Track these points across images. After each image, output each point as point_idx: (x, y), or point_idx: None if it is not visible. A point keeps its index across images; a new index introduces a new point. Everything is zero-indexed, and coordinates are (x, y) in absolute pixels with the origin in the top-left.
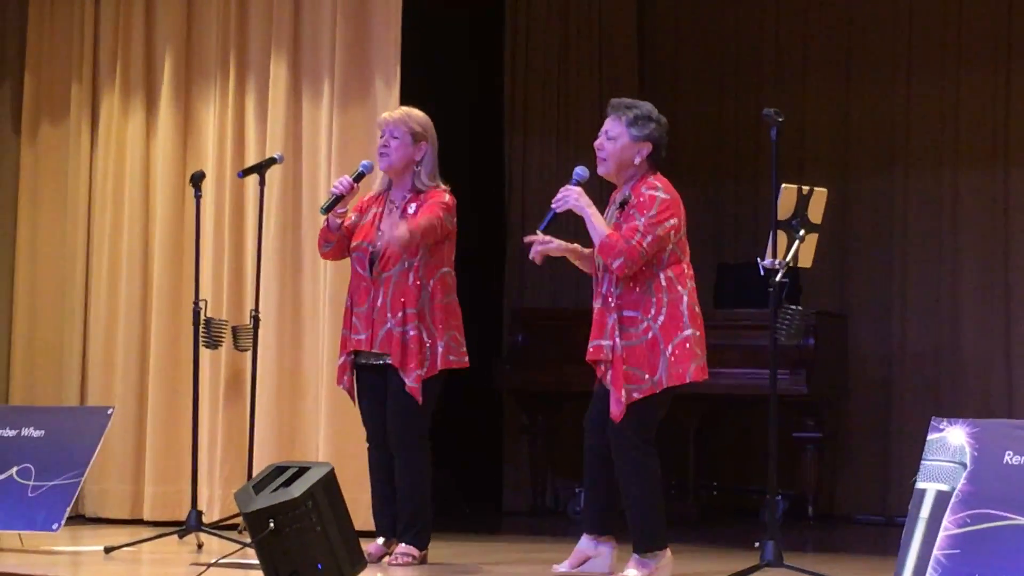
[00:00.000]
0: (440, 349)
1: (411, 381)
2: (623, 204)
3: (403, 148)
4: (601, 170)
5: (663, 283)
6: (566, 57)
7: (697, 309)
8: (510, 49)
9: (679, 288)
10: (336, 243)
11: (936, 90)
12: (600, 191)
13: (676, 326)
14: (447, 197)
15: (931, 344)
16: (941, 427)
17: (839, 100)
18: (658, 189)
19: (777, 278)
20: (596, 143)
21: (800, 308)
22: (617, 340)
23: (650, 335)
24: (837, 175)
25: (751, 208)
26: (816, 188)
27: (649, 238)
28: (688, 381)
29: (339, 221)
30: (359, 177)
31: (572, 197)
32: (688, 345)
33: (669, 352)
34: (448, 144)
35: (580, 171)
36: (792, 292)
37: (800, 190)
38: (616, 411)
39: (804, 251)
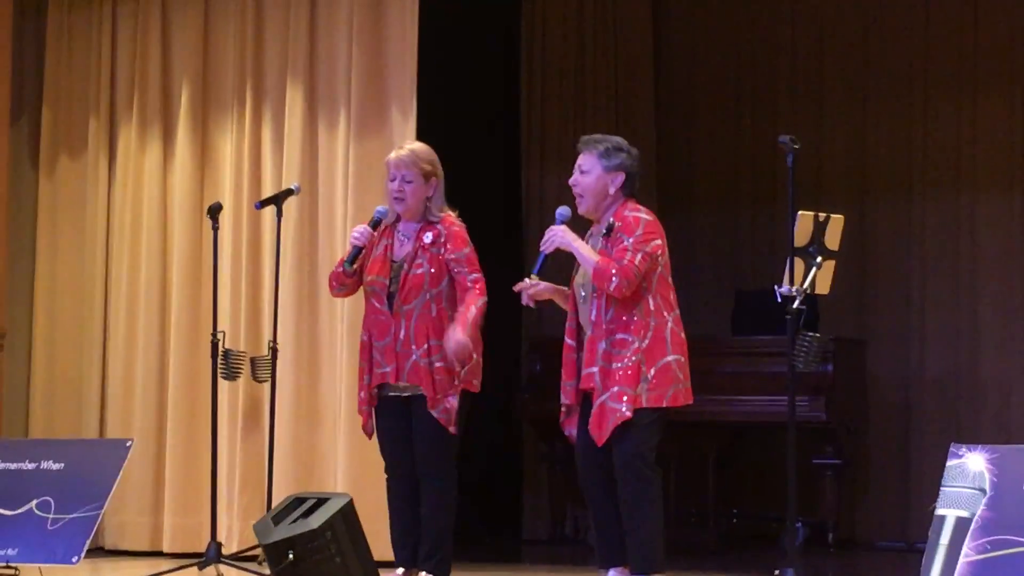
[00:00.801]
0: (464, 372)
1: (439, 413)
2: (608, 231)
3: (417, 190)
4: (581, 208)
5: (651, 307)
6: (582, 85)
7: (682, 335)
8: (526, 77)
9: (664, 313)
10: (350, 285)
11: (953, 115)
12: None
13: (660, 351)
14: (468, 249)
15: (950, 369)
16: (960, 453)
17: (856, 126)
18: (640, 211)
19: (795, 305)
20: (571, 180)
21: (818, 335)
22: (611, 364)
23: (635, 358)
24: (854, 201)
25: (768, 235)
26: (833, 215)
27: (640, 255)
28: (665, 405)
29: (355, 266)
30: (376, 224)
31: (558, 235)
32: (670, 370)
33: (651, 375)
34: (465, 174)
35: (562, 211)
36: (810, 319)
37: (817, 217)
38: (599, 434)
39: (821, 278)
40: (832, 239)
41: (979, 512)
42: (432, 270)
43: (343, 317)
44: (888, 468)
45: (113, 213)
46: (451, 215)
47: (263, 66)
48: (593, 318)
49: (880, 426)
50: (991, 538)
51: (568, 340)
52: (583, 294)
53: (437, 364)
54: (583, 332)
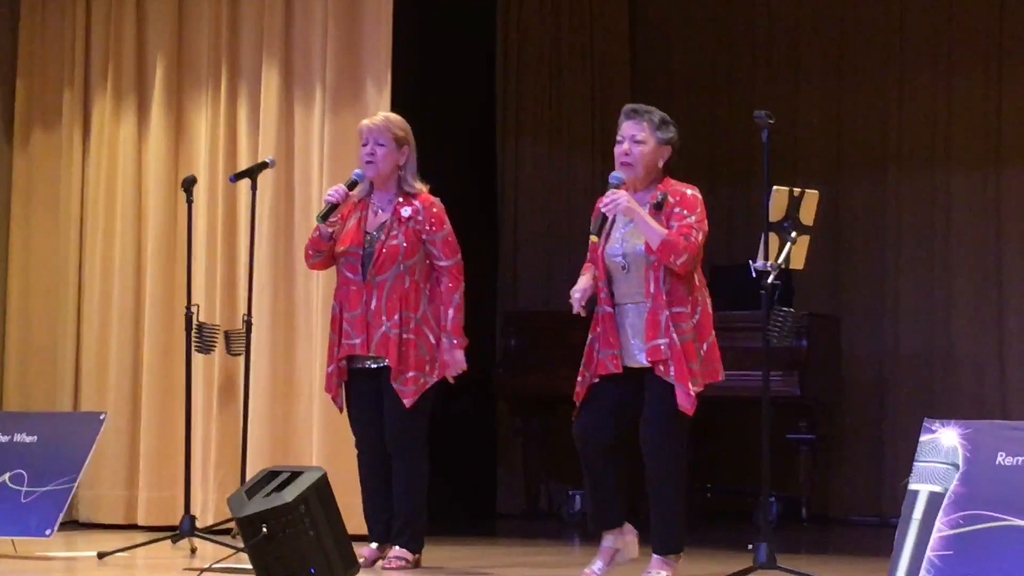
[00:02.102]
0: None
1: (403, 385)
2: (660, 205)
3: (389, 155)
4: (628, 175)
5: (697, 283)
6: (558, 59)
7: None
8: (502, 50)
9: (704, 290)
10: (326, 252)
11: (928, 92)
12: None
13: (708, 326)
14: (446, 231)
15: (924, 345)
16: (933, 428)
17: (831, 102)
18: (693, 188)
19: (769, 280)
20: (621, 148)
21: (792, 310)
22: (673, 336)
23: (690, 334)
24: (830, 177)
25: (744, 210)
26: (808, 190)
27: (701, 235)
28: (720, 379)
29: (330, 230)
30: (352, 185)
31: (622, 200)
32: (716, 346)
33: (704, 350)
34: (441, 146)
35: (617, 176)
36: (785, 294)
37: (792, 192)
38: (685, 403)
39: (796, 253)
40: (807, 214)
41: (952, 487)
42: (406, 243)
43: (318, 290)
44: (862, 443)
45: (87, 186)
46: (426, 190)
47: (239, 40)
48: (652, 289)
49: (854, 402)
50: (964, 513)
51: (607, 308)
52: (623, 265)
53: (406, 337)
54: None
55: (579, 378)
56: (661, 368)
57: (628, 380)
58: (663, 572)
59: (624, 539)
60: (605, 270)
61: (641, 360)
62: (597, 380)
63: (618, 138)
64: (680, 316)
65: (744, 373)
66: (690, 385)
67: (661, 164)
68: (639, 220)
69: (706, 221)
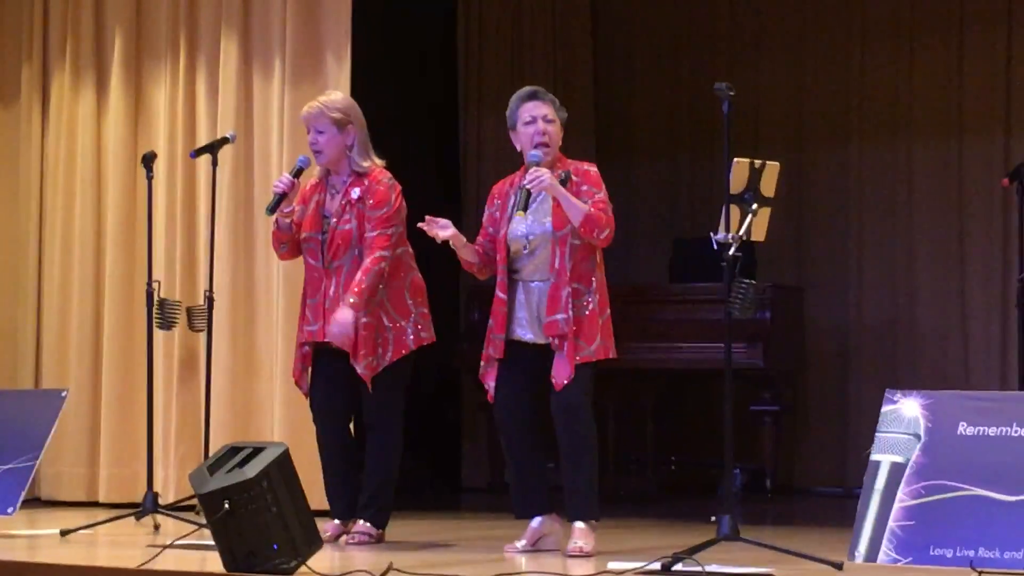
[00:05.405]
0: (410, 329)
1: (361, 368)
2: (563, 182)
3: (332, 139)
4: (547, 157)
5: (597, 260)
6: (520, 34)
7: None
8: (463, 24)
9: (602, 268)
10: (290, 242)
11: (890, 62)
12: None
13: (605, 303)
14: (386, 209)
15: (887, 316)
16: (895, 399)
17: (793, 73)
18: (594, 166)
19: (730, 252)
20: (535, 128)
21: (754, 282)
22: (570, 312)
23: (590, 307)
24: (792, 148)
25: (706, 183)
26: (768, 162)
27: (611, 209)
28: (613, 356)
29: (288, 220)
30: (298, 173)
31: (546, 179)
32: (610, 323)
33: (601, 326)
34: (403, 121)
35: (536, 154)
36: (747, 266)
37: (752, 164)
38: (563, 378)
39: (757, 225)
40: (768, 186)
41: (913, 457)
42: (358, 226)
43: (279, 266)
44: (825, 415)
45: (47, 162)
46: (378, 168)
47: (197, 13)
48: (558, 265)
49: (818, 373)
50: (925, 483)
51: (500, 293)
52: (525, 246)
53: (364, 320)
54: (515, 285)
55: (482, 362)
56: (556, 342)
57: (536, 356)
58: (589, 540)
59: (553, 527)
60: (506, 252)
61: (543, 335)
62: (500, 359)
63: (526, 119)
64: (578, 292)
65: (707, 345)
66: (569, 360)
67: (560, 144)
68: (561, 198)
69: None
